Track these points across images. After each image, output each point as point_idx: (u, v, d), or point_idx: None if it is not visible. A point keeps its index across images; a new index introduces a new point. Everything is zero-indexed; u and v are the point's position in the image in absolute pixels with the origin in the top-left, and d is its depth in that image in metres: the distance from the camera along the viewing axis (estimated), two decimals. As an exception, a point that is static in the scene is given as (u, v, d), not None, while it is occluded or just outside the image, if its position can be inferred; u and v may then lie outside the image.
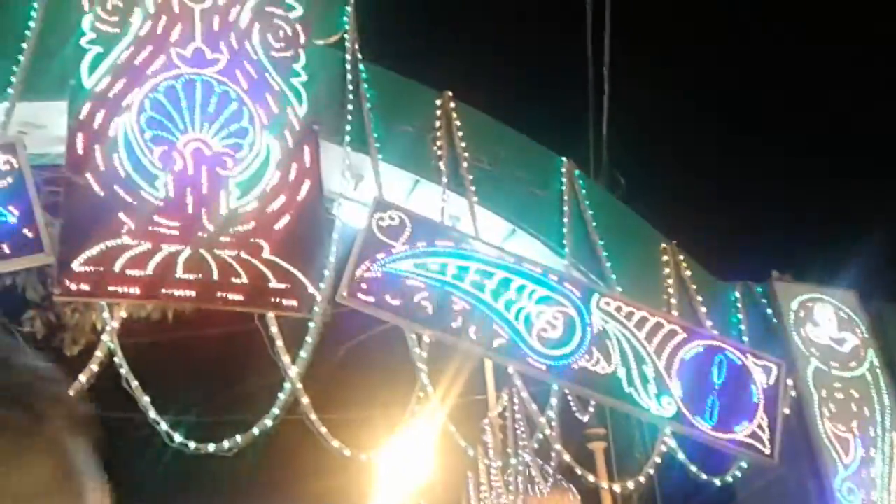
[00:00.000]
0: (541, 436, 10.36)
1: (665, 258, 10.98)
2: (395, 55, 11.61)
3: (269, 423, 9.01)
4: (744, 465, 10.38)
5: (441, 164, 10.20)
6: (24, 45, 8.89)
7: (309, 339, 9.07)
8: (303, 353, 9.08)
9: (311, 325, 9.06)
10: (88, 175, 8.65)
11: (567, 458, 10.50)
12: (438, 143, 10.32)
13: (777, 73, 18.00)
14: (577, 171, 11.07)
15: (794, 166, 17.20)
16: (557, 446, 10.44)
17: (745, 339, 10.87)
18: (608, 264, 10.54)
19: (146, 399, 8.65)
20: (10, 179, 8.29)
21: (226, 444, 8.99)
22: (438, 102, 10.54)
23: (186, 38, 9.27)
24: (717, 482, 10.34)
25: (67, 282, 8.34)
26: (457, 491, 22.53)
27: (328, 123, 9.79)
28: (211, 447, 8.98)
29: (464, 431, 10.43)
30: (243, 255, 8.83)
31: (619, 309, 9.96)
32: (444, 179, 10.14)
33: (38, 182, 8.49)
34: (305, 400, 9.04)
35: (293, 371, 8.95)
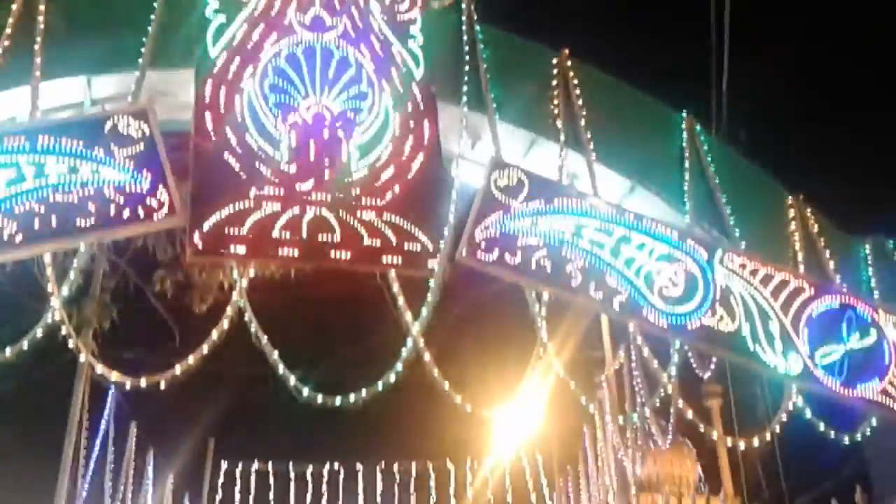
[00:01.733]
0: (662, 392, 10.15)
1: (791, 213, 10.59)
2: (511, 15, 11.40)
3: (392, 378, 9.08)
4: (874, 423, 9.99)
5: (558, 122, 10.02)
6: (152, 17, 9.08)
7: (430, 297, 9.08)
8: (424, 311, 9.09)
9: (432, 283, 9.06)
10: (215, 140, 8.84)
11: (690, 415, 10.27)
12: (555, 101, 10.15)
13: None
14: (697, 126, 10.72)
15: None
16: (679, 403, 10.24)
17: (876, 294, 10.42)
18: (731, 220, 10.22)
19: (276, 354, 8.81)
20: (142, 146, 8.51)
21: (352, 397, 9.11)
22: (555, 61, 10.36)
23: (306, 6, 9.33)
24: (846, 440, 9.98)
25: (198, 243, 8.54)
26: (572, 446, 22.51)
27: (445, 85, 9.72)
28: (338, 401, 9.12)
29: (581, 387, 10.32)
30: (365, 215, 8.89)
31: (743, 266, 9.67)
32: (562, 138, 9.97)
33: (167, 148, 8.67)
34: (427, 356, 9.08)
35: (415, 328, 8.99)
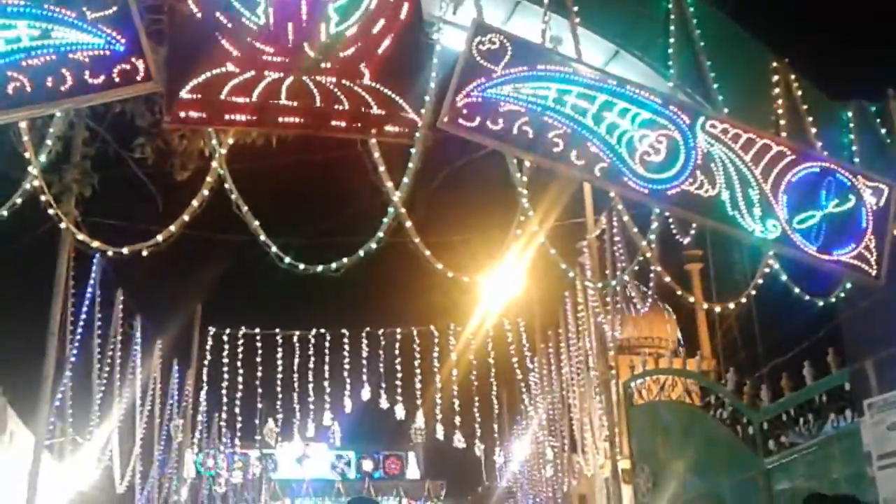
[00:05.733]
0: (641, 258, 10.25)
1: (776, 78, 10.43)
2: None
3: (374, 245, 9.12)
4: (848, 286, 10.15)
5: (542, -17, 9.74)
6: None
7: (411, 164, 9.04)
8: (405, 179, 9.06)
9: (413, 150, 9.00)
10: (191, 3, 8.61)
11: (667, 279, 10.40)
12: (539, -38, 9.83)
13: None
14: (683, -13, 10.45)
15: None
16: (658, 267, 10.36)
17: (857, 160, 10.40)
18: (715, 85, 10.10)
19: (256, 223, 8.82)
20: (115, 8, 8.29)
21: (333, 265, 9.16)
22: (537, -78, 9.98)
23: None
24: (820, 303, 10.15)
25: (176, 109, 8.45)
26: (554, 310, 22.93)
27: (424, -54, 9.39)
28: (319, 268, 9.18)
29: (562, 254, 10.41)
30: (344, 81, 8.75)
31: (725, 131, 9.61)
32: (546, 0, 9.73)
33: (141, 10, 8.44)
34: (409, 223, 9.10)
35: (397, 196, 8.98)
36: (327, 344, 26.60)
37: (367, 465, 44.15)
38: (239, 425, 28.18)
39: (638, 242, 10.14)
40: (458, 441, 27.27)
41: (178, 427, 25.65)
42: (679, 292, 10.55)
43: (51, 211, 8.63)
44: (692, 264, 22.52)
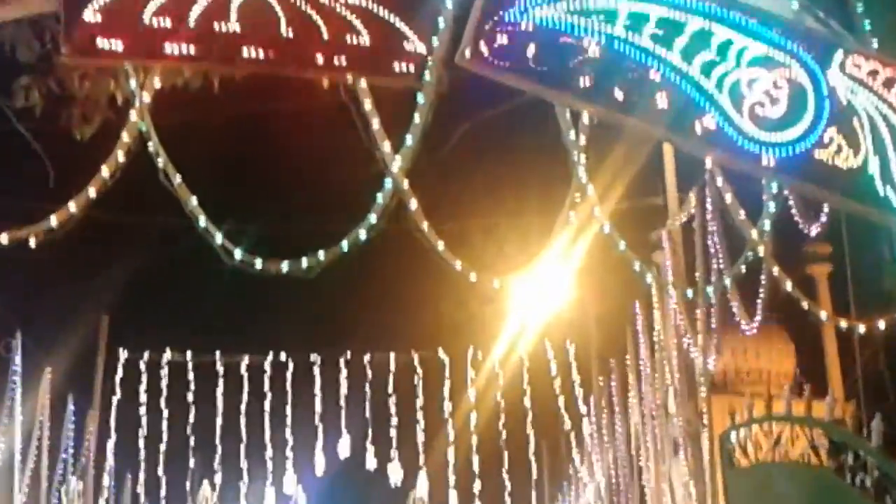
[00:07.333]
0: (749, 255, 10.25)
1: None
2: None
3: (363, 234, 9.14)
4: None
5: None
6: None
7: (417, 117, 9.04)
8: (408, 139, 9.06)
9: (420, 97, 9.00)
10: None
11: (789, 285, 10.38)
12: None
13: None
14: None
15: None
16: (775, 269, 10.36)
17: None
18: (859, 6, 10.07)
19: (194, 201, 8.84)
20: None
21: (304, 261, 9.19)
22: None
23: None
24: None
25: (77, 36, 8.43)
26: (619, 331, 22.89)
27: None
28: (284, 266, 9.21)
29: (631, 248, 10.43)
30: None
31: (873, 73, 9.61)
32: None
33: None
34: (414, 204, 9.10)
35: (396, 164, 8.98)
36: (289, 376, 26.64)
37: (346, 552, 44.32)
38: (162, 492, 28.25)
39: (745, 232, 10.13)
40: (479, 518, 27.35)
41: (76, 492, 25.76)
42: (805, 305, 10.56)
43: None
44: (817, 266, 22.55)
